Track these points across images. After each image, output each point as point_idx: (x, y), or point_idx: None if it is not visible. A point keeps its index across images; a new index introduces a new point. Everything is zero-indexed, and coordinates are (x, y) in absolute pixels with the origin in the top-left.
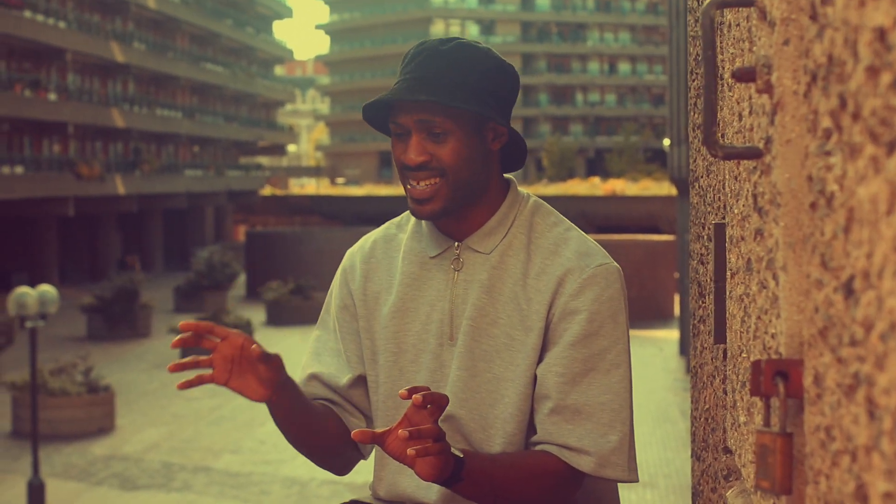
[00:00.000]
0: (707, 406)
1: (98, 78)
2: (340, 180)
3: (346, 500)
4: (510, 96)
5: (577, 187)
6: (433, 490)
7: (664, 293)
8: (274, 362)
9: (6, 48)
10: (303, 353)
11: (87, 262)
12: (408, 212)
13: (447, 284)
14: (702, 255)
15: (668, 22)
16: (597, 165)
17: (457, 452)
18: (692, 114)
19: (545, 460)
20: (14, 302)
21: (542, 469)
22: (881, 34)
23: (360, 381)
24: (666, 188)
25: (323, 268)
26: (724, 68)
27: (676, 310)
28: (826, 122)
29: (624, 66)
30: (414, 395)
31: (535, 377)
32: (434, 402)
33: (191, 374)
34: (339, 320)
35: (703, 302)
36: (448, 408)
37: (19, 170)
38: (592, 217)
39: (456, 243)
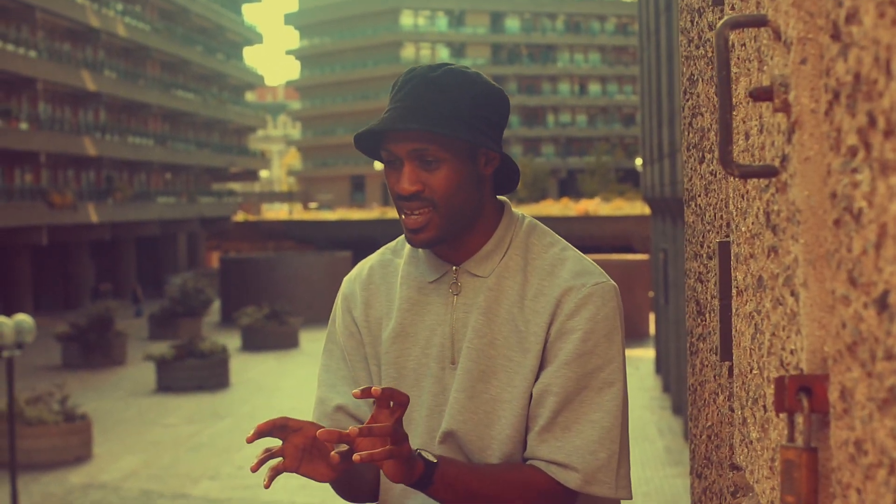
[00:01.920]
0: (710, 423)
1: (69, 106)
2: (313, 205)
3: None
4: (501, 120)
5: (550, 208)
6: None
7: (639, 312)
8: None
9: None
10: (278, 377)
11: (60, 291)
12: (402, 237)
13: (447, 309)
14: (700, 273)
15: (638, 42)
16: (569, 186)
17: (429, 457)
18: (686, 133)
19: (531, 475)
20: None
21: (526, 483)
22: None
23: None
24: (639, 207)
25: (297, 292)
26: None
27: (651, 329)
28: (851, 140)
29: (594, 87)
30: (373, 388)
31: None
32: (394, 399)
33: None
34: (347, 348)
35: (702, 320)
36: (448, 426)
37: None
38: (566, 238)
39: (454, 267)
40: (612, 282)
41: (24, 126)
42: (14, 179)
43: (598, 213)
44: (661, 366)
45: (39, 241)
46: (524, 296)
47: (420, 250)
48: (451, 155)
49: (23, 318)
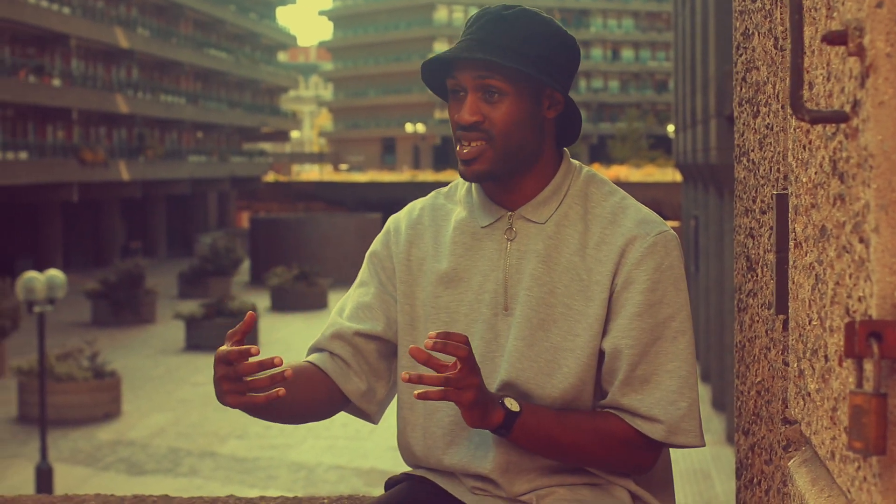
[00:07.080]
0: (759, 379)
1: (102, 64)
2: (344, 166)
3: (390, 477)
4: (569, 66)
5: None
6: (487, 459)
7: None
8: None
9: (10, 34)
10: (306, 338)
11: (90, 248)
12: (456, 182)
13: (500, 254)
14: (752, 228)
15: (672, 8)
16: (600, 152)
17: (512, 406)
18: (739, 88)
19: (615, 424)
20: (22, 287)
21: (609, 432)
22: None
23: (375, 338)
24: (670, 174)
25: (327, 253)
26: (784, 39)
27: None
28: None
29: (627, 53)
30: (426, 342)
31: (601, 350)
32: (448, 349)
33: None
34: (369, 276)
35: (752, 275)
36: (507, 375)
37: (23, 156)
38: None
39: (508, 213)
40: (673, 231)
41: (56, 82)
42: (46, 136)
43: (629, 179)
44: None
45: (70, 197)
46: (585, 244)
47: (475, 195)
48: (515, 89)
49: (54, 273)
